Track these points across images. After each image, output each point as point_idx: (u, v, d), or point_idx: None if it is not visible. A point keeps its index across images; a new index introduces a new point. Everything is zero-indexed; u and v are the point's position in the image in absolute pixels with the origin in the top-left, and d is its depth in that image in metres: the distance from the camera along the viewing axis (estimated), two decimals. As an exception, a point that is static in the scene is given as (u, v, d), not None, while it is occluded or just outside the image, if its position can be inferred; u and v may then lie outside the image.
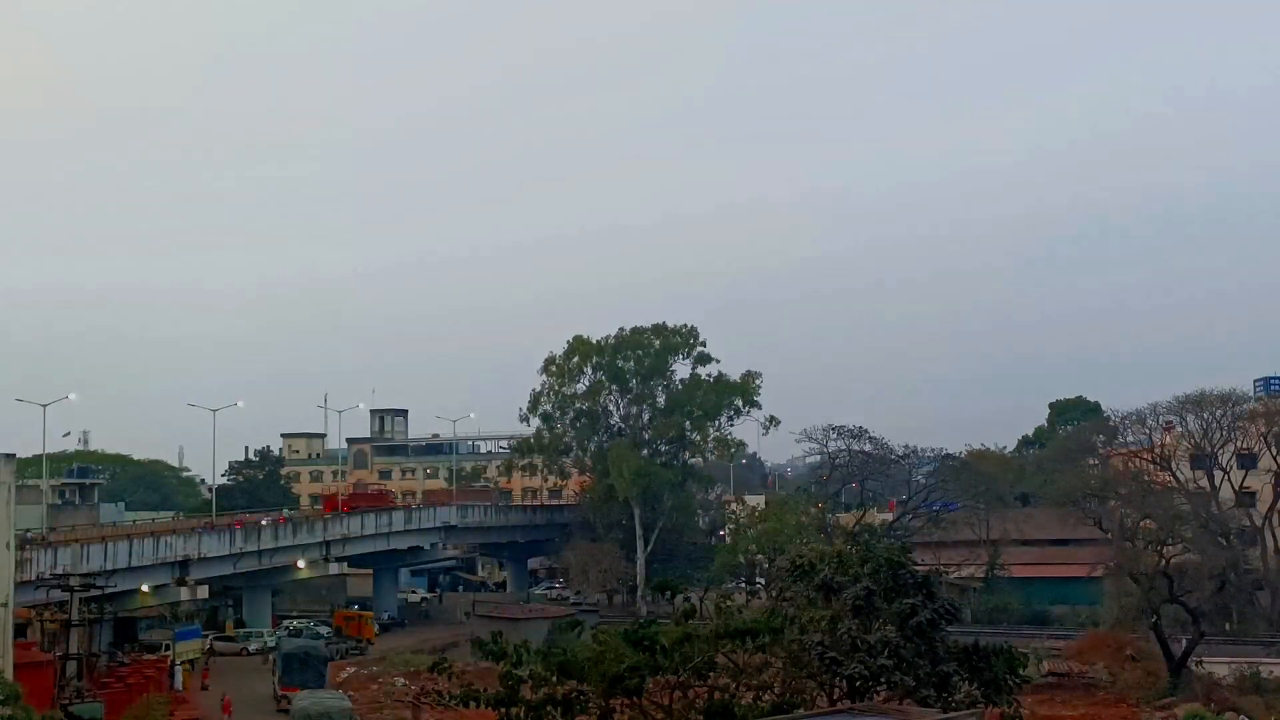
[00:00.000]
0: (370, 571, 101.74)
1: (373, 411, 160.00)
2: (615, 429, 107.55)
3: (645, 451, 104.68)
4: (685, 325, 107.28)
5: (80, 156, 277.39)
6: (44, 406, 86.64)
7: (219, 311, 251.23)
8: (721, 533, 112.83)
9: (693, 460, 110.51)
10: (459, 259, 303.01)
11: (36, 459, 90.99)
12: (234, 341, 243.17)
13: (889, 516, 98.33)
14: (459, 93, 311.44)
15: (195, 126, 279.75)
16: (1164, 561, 63.97)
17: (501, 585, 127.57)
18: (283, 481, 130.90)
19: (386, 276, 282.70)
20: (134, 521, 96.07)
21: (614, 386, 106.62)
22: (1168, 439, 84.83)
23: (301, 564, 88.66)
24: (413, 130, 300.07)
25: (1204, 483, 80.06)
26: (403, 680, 63.82)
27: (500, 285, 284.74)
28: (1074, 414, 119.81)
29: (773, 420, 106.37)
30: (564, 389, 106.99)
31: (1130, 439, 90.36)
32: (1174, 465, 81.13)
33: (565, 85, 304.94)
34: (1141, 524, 71.02)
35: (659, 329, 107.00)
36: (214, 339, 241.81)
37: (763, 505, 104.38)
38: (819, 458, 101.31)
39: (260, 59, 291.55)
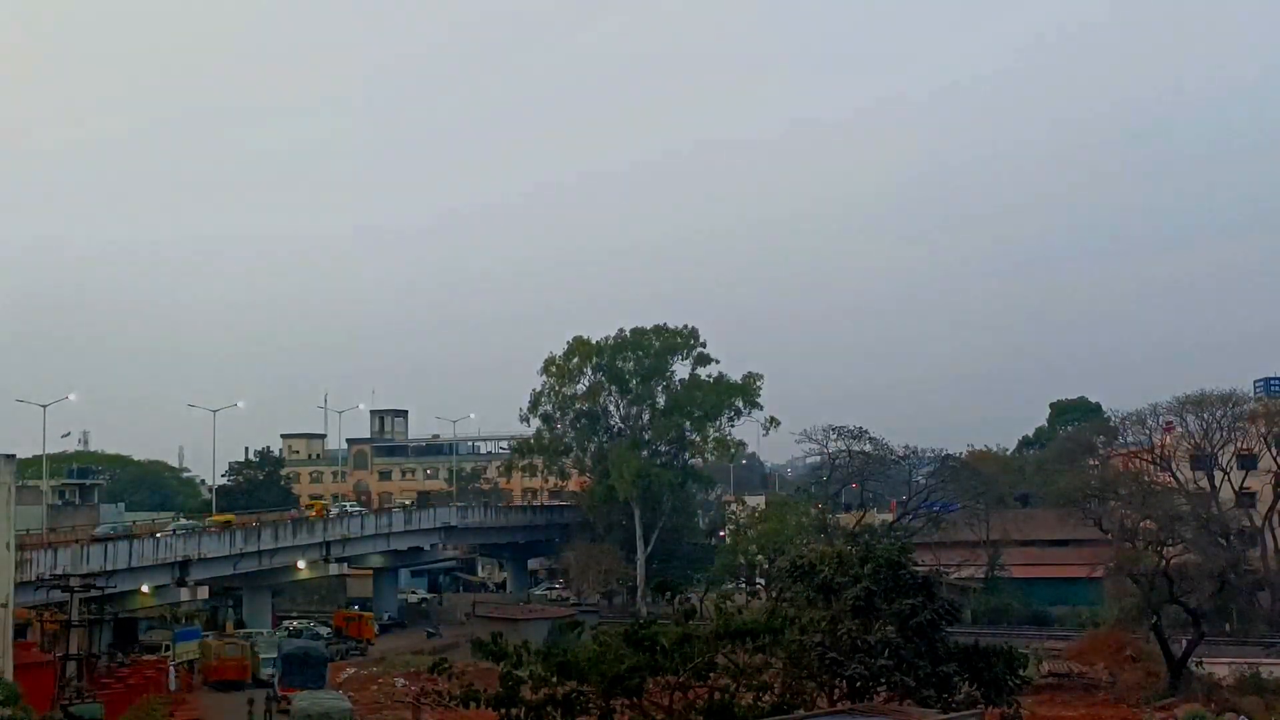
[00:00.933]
0: (370, 572, 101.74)
1: (373, 412, 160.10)
2: (615, 430, 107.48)
3: (645, 452, 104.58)
4: (686, 326, 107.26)
5: (82, 155, 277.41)
6: (44, 407, 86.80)
7: (219, 312, 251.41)
8: (721, 533, 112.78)
9: (693, 461, 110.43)
10: (459, 260, 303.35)
11: (36, 459, 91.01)
12: (234, 342, 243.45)
13: (889, 517, 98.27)
14: (462, 98, 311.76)
15: (197, 127, 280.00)
16: (1164, 562, 63.90)
17: (501, 586, 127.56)
18: (283, 482, 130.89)
19: (387, 277, 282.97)
20: (134, 522, 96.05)
21: (614, 387, 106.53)
22: (1168, 439, 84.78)
23: (301, 565, 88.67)
24: (414, 134, 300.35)
25: (1204, 483, 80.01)
26: (403, 681, 63.79)
27: (501, 286, 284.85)
28: (1074, 414, 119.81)
29: (773, 421, 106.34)
30: (564, 389, 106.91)
31: (1130, 439, 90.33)
32: (1174, 466, 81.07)
33: (568, 81, 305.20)
34: (1142, 524, 70.96)
35: (659, 330, 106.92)
36: (214, 339, 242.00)
37: (763, 506, 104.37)
38: (819, 458, 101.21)
39: (240, 67, 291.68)
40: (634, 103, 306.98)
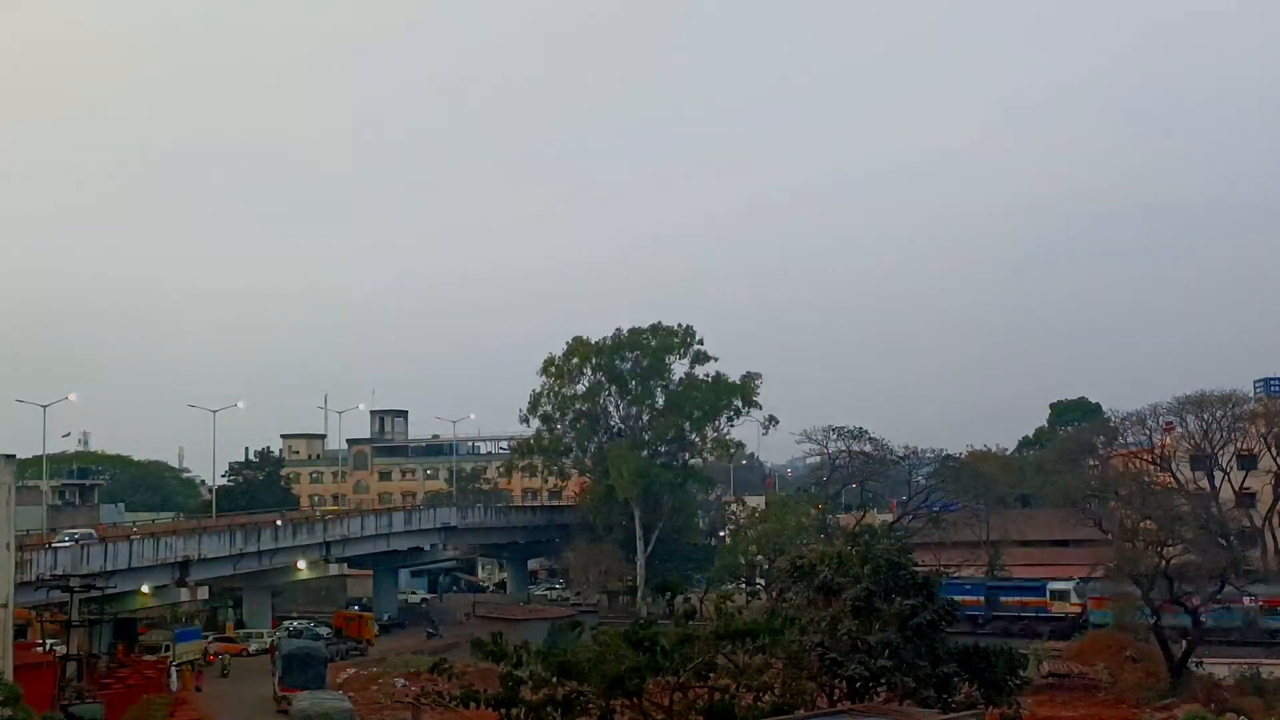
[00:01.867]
0: (370, 572, 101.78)
1: (373, 412, 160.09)
2: (615, 430, 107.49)
3: (645, 452, 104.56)
4: (681, 325, 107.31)
5: (82, 155, 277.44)
6: (44, 407, 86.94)
7: (220, 312, 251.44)
8: (721, 534, 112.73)
9: (692, 461, 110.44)
10: (458, 260, 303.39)
11: (37, 460, 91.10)
12: (234, 342, 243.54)
13: (889, 517, 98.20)
14: (465, 97, 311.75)
15: (200, 122, 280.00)
16: (1164, 562, 63.95)
17: (501, 586, 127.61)
18: (283, 483, 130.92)
19: (386, 277, 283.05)
20: (134, 522, 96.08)
21: (613, 387, 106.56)
22: (1168, 440, 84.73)
23: (302, 565, 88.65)
24: (412, 133, 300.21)
25: (1204, 483, 79.99)
26: (403, 681, 63.80)
27: (500, 285, 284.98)
28: (1074, 415, 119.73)
29: (772, 420, 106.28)
30: (563, 390, 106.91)
31: (1130, 440, 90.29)
32: (1174, 466, 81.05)
33: (562, 90, 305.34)
34: (1142, 525, 70.95)
35: (656, 329, 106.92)
36: (214, 339, 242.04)
37: (763, 506, 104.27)
38: (819, 458, 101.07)
39: (277, 62, 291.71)
40: (632, 100, 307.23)
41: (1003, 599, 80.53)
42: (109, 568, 65.55)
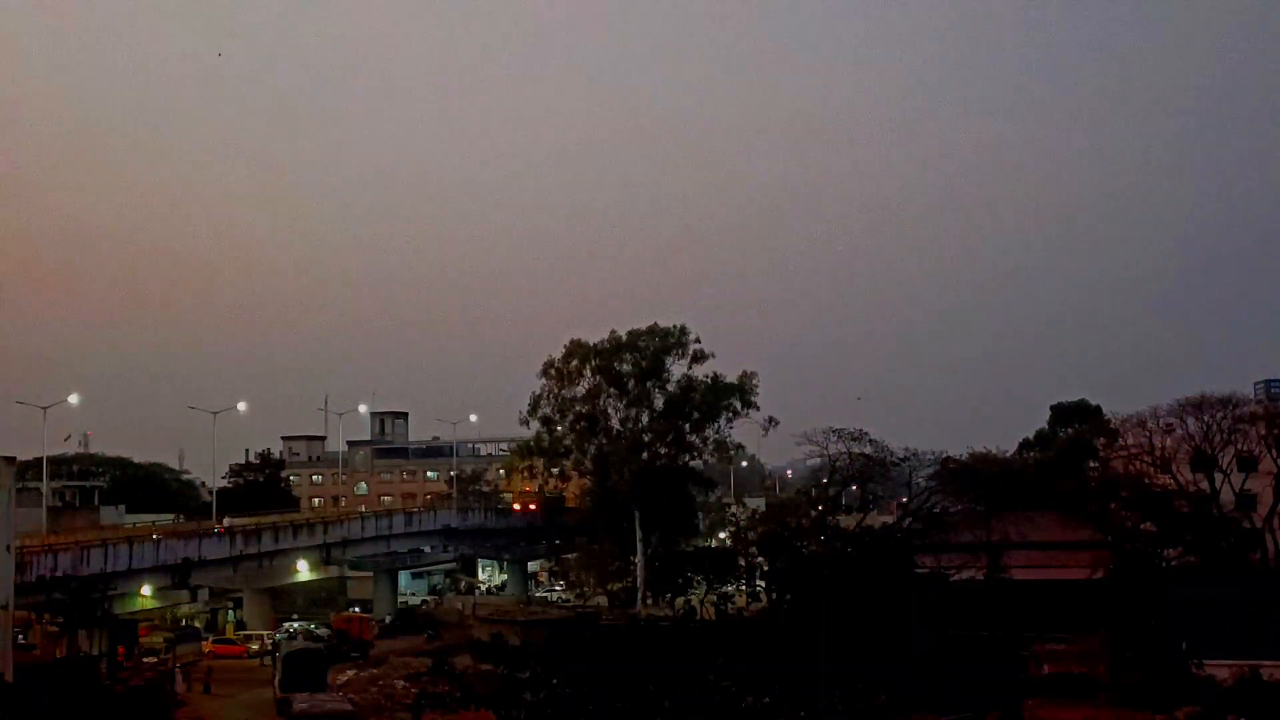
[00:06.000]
0: (370, 574, 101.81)
1: (373, 414, 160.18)
2: (614, 432, 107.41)
3: (644, 454, 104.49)
4: (677, 325, 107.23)
5: (84, 157, 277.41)
6: (44, 409, 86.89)
7: (220, 313, 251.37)
8: (722, 535, 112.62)
9: (692, 463, 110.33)
10: (458, 259, 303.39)
11: (37, 462, 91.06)
12: (235, 344, 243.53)
13: (890, 519, 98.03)
14: (463, 94, 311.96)
15: (185, 118, 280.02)
16: (1165, 564, 63.93)
17: (501, 588, 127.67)
18: (283, 485, 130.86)
19: (386, 277, 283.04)
20: (134, 524, 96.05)
21: (612, 389, 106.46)
22: (1168, 442, 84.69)
23: (302, 567, 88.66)
24: (409, 131, 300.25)
25: (1204, 485, 79.98)
26: (403, 683, 63.79)
27: (500, 286, 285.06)
28: (1075, 417, 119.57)
29: (772, 421, 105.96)
30: (563, 392, 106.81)
31: (1130, 442, 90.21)
32: (1174, 468, 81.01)
33: (561, 82, 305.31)
34: (1142, 527, 70.93)
35: (653, 330, 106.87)
36: (214, 341, 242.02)
37: (763, 508, 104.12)
38: (819, 460, 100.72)
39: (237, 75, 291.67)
40: (628, 95, 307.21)
41: None
42: (109, 570, 65.59)
